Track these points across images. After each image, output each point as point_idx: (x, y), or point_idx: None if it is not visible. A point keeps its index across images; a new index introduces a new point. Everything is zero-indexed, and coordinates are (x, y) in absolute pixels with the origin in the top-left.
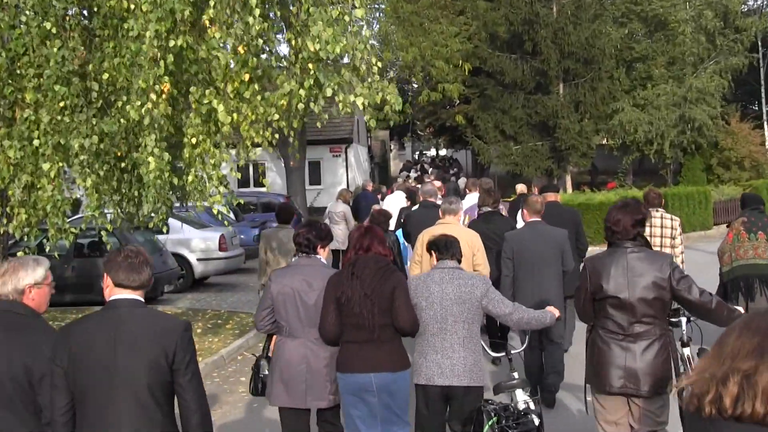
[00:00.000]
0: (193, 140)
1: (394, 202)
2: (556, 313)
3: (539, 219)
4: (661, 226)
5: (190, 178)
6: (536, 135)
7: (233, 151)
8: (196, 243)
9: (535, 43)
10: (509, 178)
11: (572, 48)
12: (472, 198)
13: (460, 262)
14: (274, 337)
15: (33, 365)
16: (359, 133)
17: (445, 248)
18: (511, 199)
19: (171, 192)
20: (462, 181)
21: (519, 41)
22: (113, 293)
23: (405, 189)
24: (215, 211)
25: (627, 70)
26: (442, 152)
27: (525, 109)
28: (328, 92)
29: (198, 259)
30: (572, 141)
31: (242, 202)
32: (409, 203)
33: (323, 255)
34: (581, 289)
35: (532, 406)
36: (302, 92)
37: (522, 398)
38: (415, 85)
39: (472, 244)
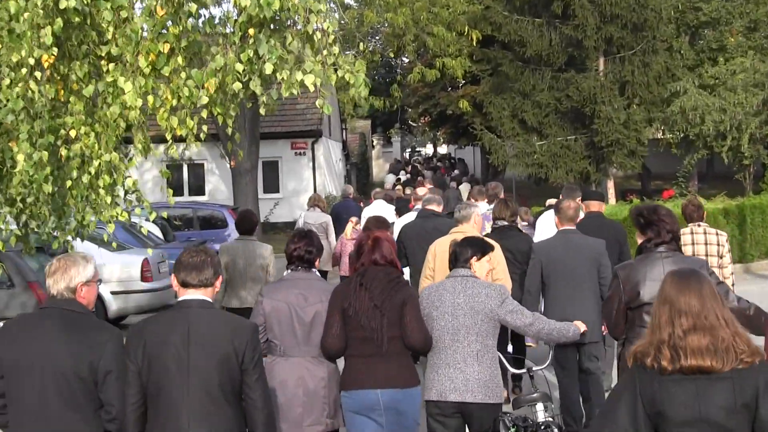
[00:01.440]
0: (72, 133)
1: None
2: (582, 327)
3: (573, 227)
4: (705, 243)
5: (71, 183)
6: (567, 127)
7: (162, 147)
8: (110, 271)
9: (567, 4)
10: (531, 184)
11: (616, 10)
12: (480, 207)
13: (477, 257)
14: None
15: (98, 363)
16: (331, 124)
17: (459, 254)
18: (542, 209)
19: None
20: (465, 188)
21: (545, 1)
22: (181, 293)
23: (385, 197)
24: (140, 227)
25: (691, 39)
26: (442, 150)
27: (553, 92)
28: (268, 68)
29: (113, 293)
30: (616, 134)
31: (165, 216)
32: (397, 216)
33: (317, 267)
34: (613, 299)
35: (552, 420)
36: (239, 67)
37: (542, 412)
38: (406, 59)
39: (491, 256)
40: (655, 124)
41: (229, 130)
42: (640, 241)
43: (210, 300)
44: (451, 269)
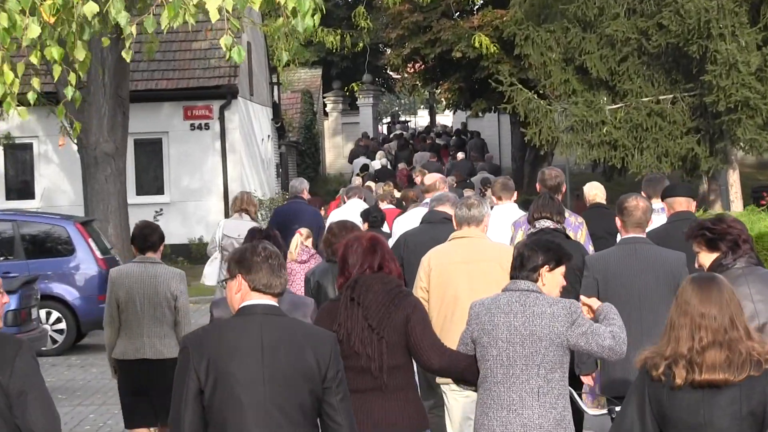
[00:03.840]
0: None
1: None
2: None
3: (642, 234)
4: None
5: None
6: (660, 79)
7: None
8: None
9: None
10: (596, 177)
11: None
12: (503, 211)
13: (549, 266)
14: None
15: (8, 383)
16: (252, 78)
17: (526, 259)
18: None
19: None
20: (478, 178)
21: None
22: (247, 298)
23: (363, 194)
24: None
25: None
26: (445, 119)
27: (635, 20)
28: None
29: None
30: (743, 92)
31: None
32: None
33: None
34: None
35: None
36: None
37: None
38: None
39: (510, 265)
40: None
41: (70, 90)
42: (706, 262)
43: (278, 305)
44: (511, 277)
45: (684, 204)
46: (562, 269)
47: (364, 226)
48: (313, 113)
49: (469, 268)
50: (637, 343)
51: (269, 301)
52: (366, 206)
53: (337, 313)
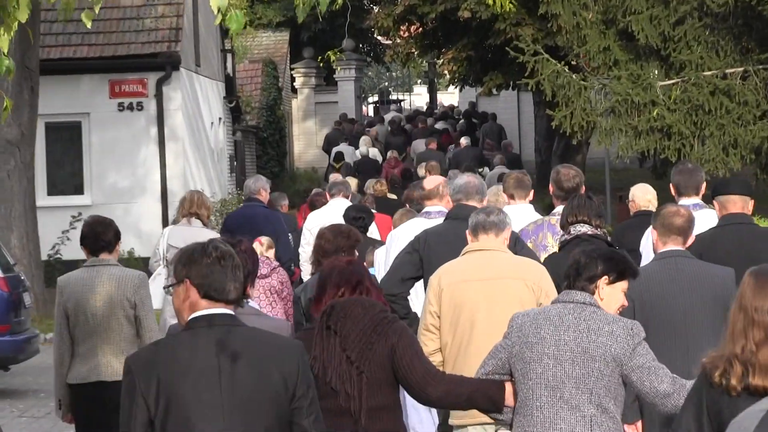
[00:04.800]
0: None
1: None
2: None
3: (682, 247)
4: None
5: None
6: (728, 47)
7: None
8: None
9: None
10: (644, 173)
11: None
12: (516, 214)
13: (609, 278)
14: None
15: None
16: (199, 44)
17: (583, 268)
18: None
19: None
20: (494, 174)
21: None
22: (197, 308)
23: (347, 193)
24: None
25: None
26: (449, 97)
27: None
28: None
29: None
30: None
31: None
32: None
33: (251, 294)
34: None
35: None
36: None
37: None
38: None
39: (537, 284)
40: None
41: None
42: None
43: (236, 315)
44: (564, 287)
45: (739, 204)
46: (623, 285)
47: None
48: (277, 90)
49: (488, 288)
50: (683, 364)
51: (224, 309)
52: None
53: (311, 342)
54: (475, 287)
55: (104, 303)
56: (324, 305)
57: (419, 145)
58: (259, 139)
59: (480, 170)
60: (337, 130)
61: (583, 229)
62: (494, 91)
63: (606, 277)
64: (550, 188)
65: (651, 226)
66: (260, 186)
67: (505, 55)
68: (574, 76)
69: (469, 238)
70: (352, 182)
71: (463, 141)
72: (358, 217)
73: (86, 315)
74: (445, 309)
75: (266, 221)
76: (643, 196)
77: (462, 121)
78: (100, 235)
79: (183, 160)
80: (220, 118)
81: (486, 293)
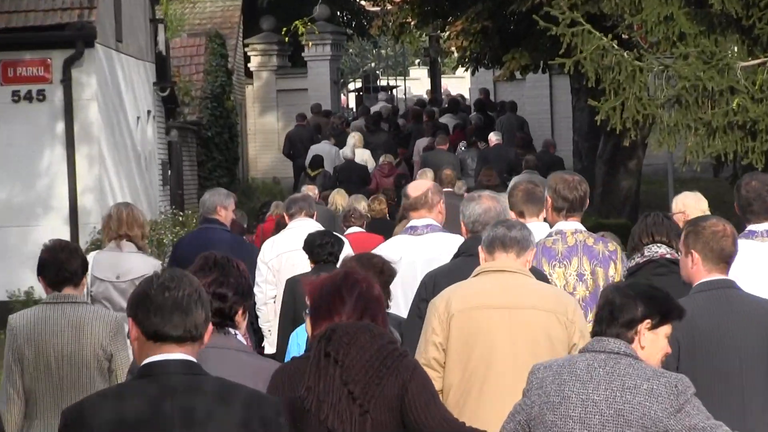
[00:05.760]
0: None
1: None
2: None
3: (726, 276)
4: None
5: None
6: None
7: None
8: None
9: None
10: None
11: None
12: (537, 229)
13: (651, 322)
14: None
15: None
16: (121, 15)
17: (618, 310)
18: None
19: None
20: (521, 180)
21: None
22: (149, 352)
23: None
24: None
25: None
26: (460, 84)
27: None
28: None
29: None
30: None
31: None
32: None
33: (242, 326)
34: None
35: None
36: None
37: None
38: None
39: (571, 320)
40: None
41: None
42: None
43: (195, 360)
44: (594, 333)
45: None
46: (667, 329)
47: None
48: (226, 73)
49: (510, 318)
50: (738, 421)
51: (181, 355)
52: (315, 228)
53: (300, 373)
54: (493, 316)
55: (71, 352)
56: (322, 327)
57: (424, 145)
58: (202, 139)
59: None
60: (302, 127)
61: (661, 250)
62: (518, 74)
63: (648, 321)
64: (547, 199)
65: (683, 244)
66: (218, 203)
67: (533, 27)
68: (625, 55)
69: (482, 255)
70: (339, 198)
71: (493, 138)
72: (323, 243)
73: (49, 366)
74: (453, 341)
75: (230, 252)
76: (695, 205)
77: (476, 113)
78: (63, 264)
79: (99, 167)
80: (149, 112)
81: (507, 324)
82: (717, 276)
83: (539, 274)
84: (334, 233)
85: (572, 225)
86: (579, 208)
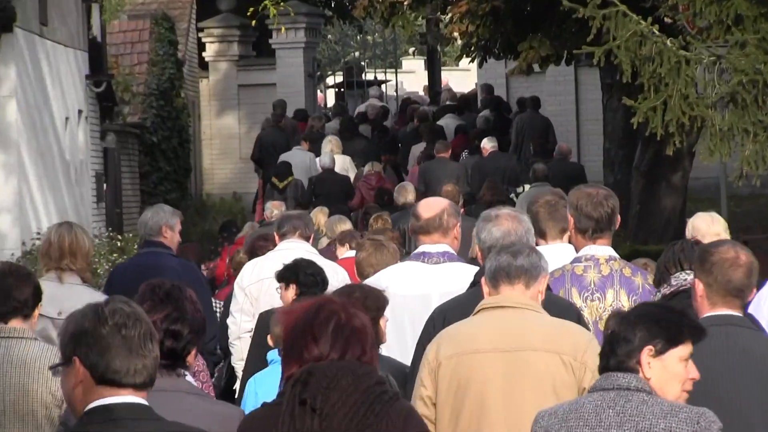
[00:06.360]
0: None
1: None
2: None
3: (738, 312)
4: None
5: None
6: None
7: None
8: None
9: None
10: None
11: None
12: (553, 256)
13: (654, 348)
14: None
15: None
16: None
17: (618, 340)
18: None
19: None
20: (529, 195)
21: None
22: (93, 397)
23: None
24: None
25: None
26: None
27: None
28: None
29: None
30: None
31: None
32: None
33: (193, 366)
34: None
35: None
36: None
37: None
38: None
39: (580, 360)
40: None
41: None
42: None
43: (147, 404)
44: (602, 370)
45: None
46: (681, 352)
47: (287, 293)
48: (176, 64)
49: (508, 363)
50: None
51: (132, 398)
52: (308, 250)
53: (274, 424)
54: (489, 361)
55: (16, 397)
56: (295, 368)
57: (420, 152)
58: (146, 145)
59: (514, 192)
60: (277, 129)
61: (690, 277)
62: (536, 67)
63: (648, 347)
64: (569, 218)
65: (697, 276)
66: (162, 223)
67: (556, 8)
68: (668, 42)
69: (485, 289)
70: (322, 217)
71: (488, 145)
72: (310, 274)
73: None
74: (443, 392)
75: (176, 277)
76: (708, 229)
77: (484, 114)
78: (11, 292)
79: (18, 179)
80: (80, 112)
81: (504, 370)
82: (722, 311)
83: (563, 307)
84: (316, 265)
85: (605, 250)
86: (608, 228)
